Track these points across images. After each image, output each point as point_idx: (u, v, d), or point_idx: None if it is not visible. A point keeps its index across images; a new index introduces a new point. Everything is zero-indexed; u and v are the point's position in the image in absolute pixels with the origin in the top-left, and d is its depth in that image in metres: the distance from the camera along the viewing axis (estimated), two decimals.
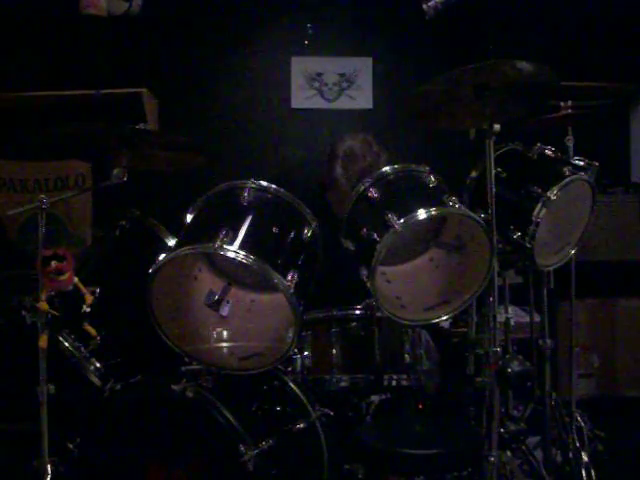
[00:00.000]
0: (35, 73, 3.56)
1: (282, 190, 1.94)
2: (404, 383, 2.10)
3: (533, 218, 1.97)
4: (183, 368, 2.02)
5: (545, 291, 2.56)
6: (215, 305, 1.93)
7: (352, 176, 2.32)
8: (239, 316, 1.99)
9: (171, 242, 2.12)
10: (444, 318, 1.95)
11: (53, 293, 1.94)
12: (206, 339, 1.96)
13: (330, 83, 3.77)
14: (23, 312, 1.96)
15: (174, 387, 1.90)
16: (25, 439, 2.23)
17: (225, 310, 1.95)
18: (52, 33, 3.56)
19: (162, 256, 1.76)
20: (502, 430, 2.19)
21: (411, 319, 1.95)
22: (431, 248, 2.04)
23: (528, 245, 1.98)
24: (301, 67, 3.76)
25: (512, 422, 2.37)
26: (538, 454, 2.47)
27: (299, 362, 2.08)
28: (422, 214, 1.77)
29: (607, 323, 3.50)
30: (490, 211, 1.87)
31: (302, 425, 2.01)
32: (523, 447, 2.43)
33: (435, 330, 2.27)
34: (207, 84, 3.76)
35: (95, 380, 2.07)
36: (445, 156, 3.52)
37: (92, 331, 2.06)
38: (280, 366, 2.09)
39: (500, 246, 2.00)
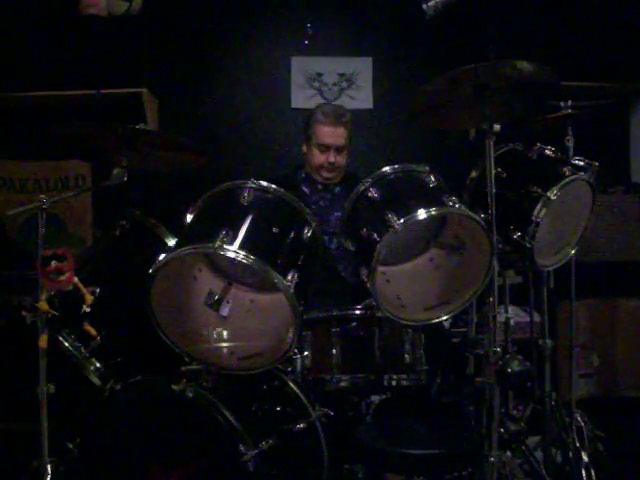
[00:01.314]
0: (35, 73, 3.56)
1: (282, 190, 1.94)
2: (404, 383, 2.09)
3: (533, 218, 1.97)
4: (183, 368, 2.02)
5: (545, 291, 2.56)
6: (215, 305, 1.93)
7: (326, 110, 2.85)
8: (239, 316, 1.99)
9: (171, 242, 2.12)
10: (444, 318, 1.95)
11: (53, 293, 1.94)
12: (206, 339, 1.96)
13: (330, 83, 3.77)
14: (23, 312, 1.96)
15: (174, 387, 1.90)
16: (25, 439, 2.23)
17: (225, 310, 1.95)
18: (52, 33, 3.56)
19: (162, 256, 1.76)
20: (502, 430, 2.19)
21: (411, 319, 1.95)
22: (431, 248, 2.04)
23: (528, 245, 1.98)
24: (301, 67, 3.76)
25: (512, 422, 2.36)
26: (538, 454, 2.47)
27: (299, 362, 2.08)
28: (422, 214, 1.77)
29: (607, 323, 3.50)
30: (490, 211, 1.87)
31: (302, 425, 2.01)
32: (523, 447, 2.43)
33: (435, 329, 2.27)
34: (207, 84, 3.76)
35: (95, 380, 2.07)
36: (445, 156, 3.52)
37: (92, 331, 2.06)
38: (280, 366, 2.09)
39: (500, 246, 2.00)
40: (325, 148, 2.81)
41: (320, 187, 2.88)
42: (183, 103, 3.72)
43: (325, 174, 2.84)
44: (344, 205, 2.00)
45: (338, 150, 2.81)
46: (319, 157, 2.82)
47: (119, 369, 2.11)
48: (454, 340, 2.52)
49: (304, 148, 2.93)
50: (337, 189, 2.88)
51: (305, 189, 2.89)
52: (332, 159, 2.80)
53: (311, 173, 2.90)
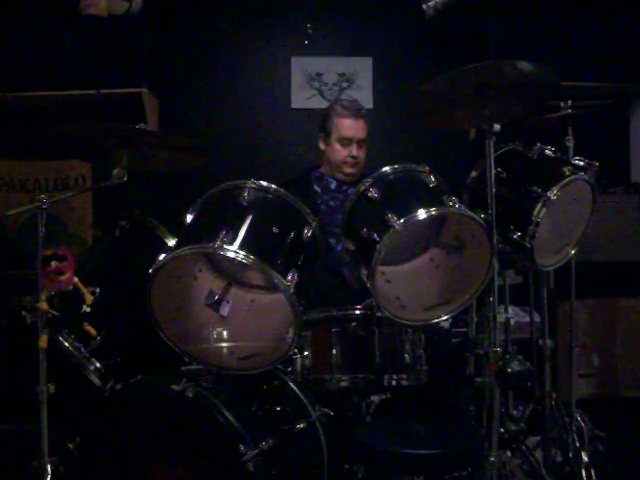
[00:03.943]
0: (35, 73, 3.56)
1: (282, 190, 1.94)
2: (404, 383, 2.09)
3: (533, 218, 1.96)
4: (183, 368, 2.02)
5: (545, 291, 2.56)
6: (215, 305, 1.93)
7: (345, 103, 2.85)
8: (239, 316, 1.99)
9: (171, 242, 2.12)
10: (444, 318, 1.94)
11: (53, 293, 1.94)
12: (206, 339, 1.96)
13: (330, 83, 3.77)
14: (23, 312, 1.96)
15: (174, 387, 1.90)
16: (25, 439, 2.23)
17: (225, 310, 1.95)
18: (52, 33, 3.56)
19: (162, 256, 1.76)
20: (502, 430, 2.19)
21: (411, 319, 1.95)
22: (431, 248, 2.04)
23: (528, 245, 1.98)
24: (301, 67, 3.76)
25: (512, 422, 2.37)
26: (538, 454, 2.47)
27: (299, 362, 2.08)
28: (422, 214, 1.76)
29: (607, 323, 3.50)
30: (490, 211, 1.87)
31: (302, 425, 2.01)
32: (523, 447, 2.43)
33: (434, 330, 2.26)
34: (207, 84, 3.76)
35: (95, 380, 2.07)
36: (445, 156, 3.52)
37: (92, 331, 2.06)
38: (280, 366, 2.09)
39: (500, 246, 2.00)
40: (347, 141, 2.76)
41: (333, 187, 2.84)
42: (183, 103, 3.72)
43: (347, 169, 2.79)
44: (344, 205, 2.00)
45: (359, 144, 2.77)
46: (341, 152, 2.78)
47: (119, 369, 2.11)
48: (454, 340, 2.52)
49: (321, 146, 2.87)
50: (351, 190, 2.80)
51: (317, 188, 2.86)
52: (355, 152, 2.76)
53: (329, 172, 2.86)
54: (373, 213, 1.88)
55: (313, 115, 3.75)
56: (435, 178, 1.92)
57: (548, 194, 1.96)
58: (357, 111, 2.79)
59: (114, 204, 2.54)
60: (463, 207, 1.86)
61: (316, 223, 1.99)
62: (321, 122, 2.87)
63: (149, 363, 2.18)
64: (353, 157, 2.76)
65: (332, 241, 2.70)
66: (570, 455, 2.44)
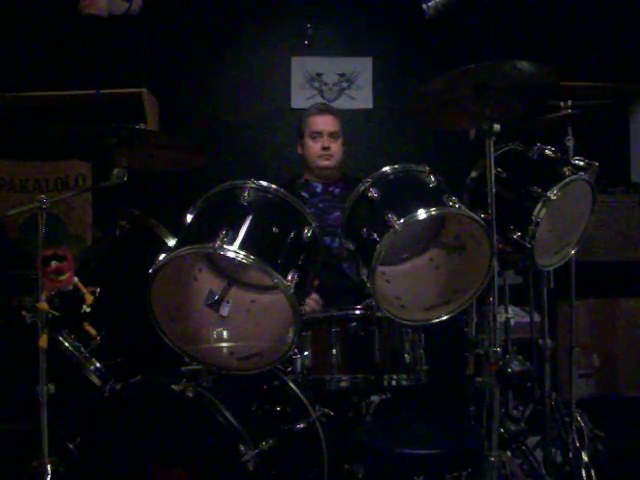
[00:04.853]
0: (35, 73, 3.56)
1: (282, 190, 1.94)
2: (404, 383, 2.09)
3: (533, 218, 1.97)
4: (183, 368, 2.02)
5: (545, 291, 2.56)
6: (215, 305, 1.93)
7: (314, 105, 3.09)
8: (239, 316, 1.98)
9: (171, 242, 2.12)
10: (444, 318, 1.94)
11: (53, 293, 1.94)
12: (206, 339, 1.96)
13: (330, 83, 3.77)
14: (23, 312, 1.96)
15: (174, 387, 1.90)
16: (25, 439, 2.23)
17: (225, 310, 1.95)
18: (52, 33, 3.56)
19: (162, 256, 1.76)
20: (502, 430, 2.19)
21: (411, 319, 1.95)
22: (431, 248, 2.04)
23: (528, 245, 1.98)
24: (301, 67, 3.76)
25: (512, 422, 2.36)
26: (538, 454, 2.47)
27: (299, 362, 2.08)
28: (422, 214, 1.77)
29: (607, 323, 3.50)
30: (490, 211, 1.87)
31: (302, 425, 2.01)
32: (523, 447, 2.43)
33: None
34: (207, 84, 3.76)
35: (95, 380, 2.07)
36: (445, 156, 3.52)
37: (92, 331, 2.06)
38: (280, 366, 2.09)
39: (500, 246, 2.00)
40: (317, 134, 2.87)
41: (319, 190, 2.89)
42: (183, 103, 3.72)
43: (322, 163, 2.87)
44: (344, 205, 2.00)
45: (331, 136, 2.87)
46: (313, 146, 2.87)
47: (119, 369, 2.11)
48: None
49: (299, 150, 2.98)
50: (337, 190, 2.88)
51: (304, 194, 2.89)
52: (326, 144, 2.85)
53: (312, 175, 2.92)
54: (373, 213, 1.88)
55: None
56: (435, 178, 1.92)
57: (548, 194, 1.96)
58: (325, 108, 2.97)
59: (114, 204, 2.54)
60: (463, 207, 1.86)
61: (316, 223, 1.99)
62: (297, 130, 2.99)
63: (149, 363, 2.18)
64: (325, 149, 2.85)
65: (327, 239, 2.74)
66: (570, 455, 2.44)
